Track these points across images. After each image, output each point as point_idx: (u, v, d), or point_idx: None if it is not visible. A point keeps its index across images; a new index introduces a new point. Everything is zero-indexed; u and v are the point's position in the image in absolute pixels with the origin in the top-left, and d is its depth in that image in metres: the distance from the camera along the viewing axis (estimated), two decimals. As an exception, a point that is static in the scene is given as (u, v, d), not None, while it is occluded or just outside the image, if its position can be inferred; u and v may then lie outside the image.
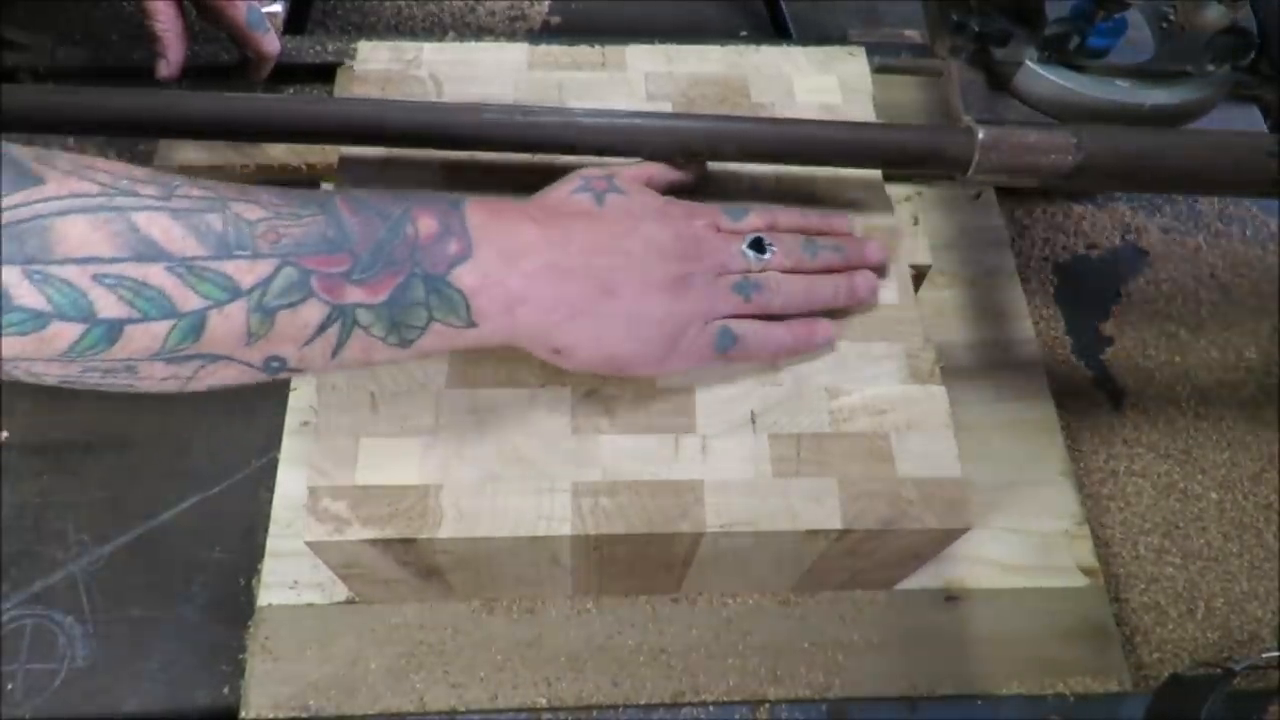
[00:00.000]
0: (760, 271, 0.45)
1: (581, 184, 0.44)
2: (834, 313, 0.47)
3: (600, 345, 0.40)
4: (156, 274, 0.32)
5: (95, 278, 0.31)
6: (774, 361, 0.45)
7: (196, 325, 0.33)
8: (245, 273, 0.33)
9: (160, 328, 0.32)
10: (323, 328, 0.35)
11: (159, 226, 0.32)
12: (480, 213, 0.39)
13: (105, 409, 0.57)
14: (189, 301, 0.32)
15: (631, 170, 0.46)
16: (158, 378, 0.34)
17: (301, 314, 0.34)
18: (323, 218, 0.35)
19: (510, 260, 0.38)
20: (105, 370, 0.33)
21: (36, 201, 0.30)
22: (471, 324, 0.38)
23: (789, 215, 0.48)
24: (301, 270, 0.34)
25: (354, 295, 0.35)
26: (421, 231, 0.37)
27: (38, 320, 0.30)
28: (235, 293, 0.33)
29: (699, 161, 0.49)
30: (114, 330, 0.32)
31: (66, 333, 0.31)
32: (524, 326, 0.39)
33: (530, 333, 0.39)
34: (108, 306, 0.31)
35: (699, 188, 0.50)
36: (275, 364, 0.35)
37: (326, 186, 0.63)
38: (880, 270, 0.48)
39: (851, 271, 0.47)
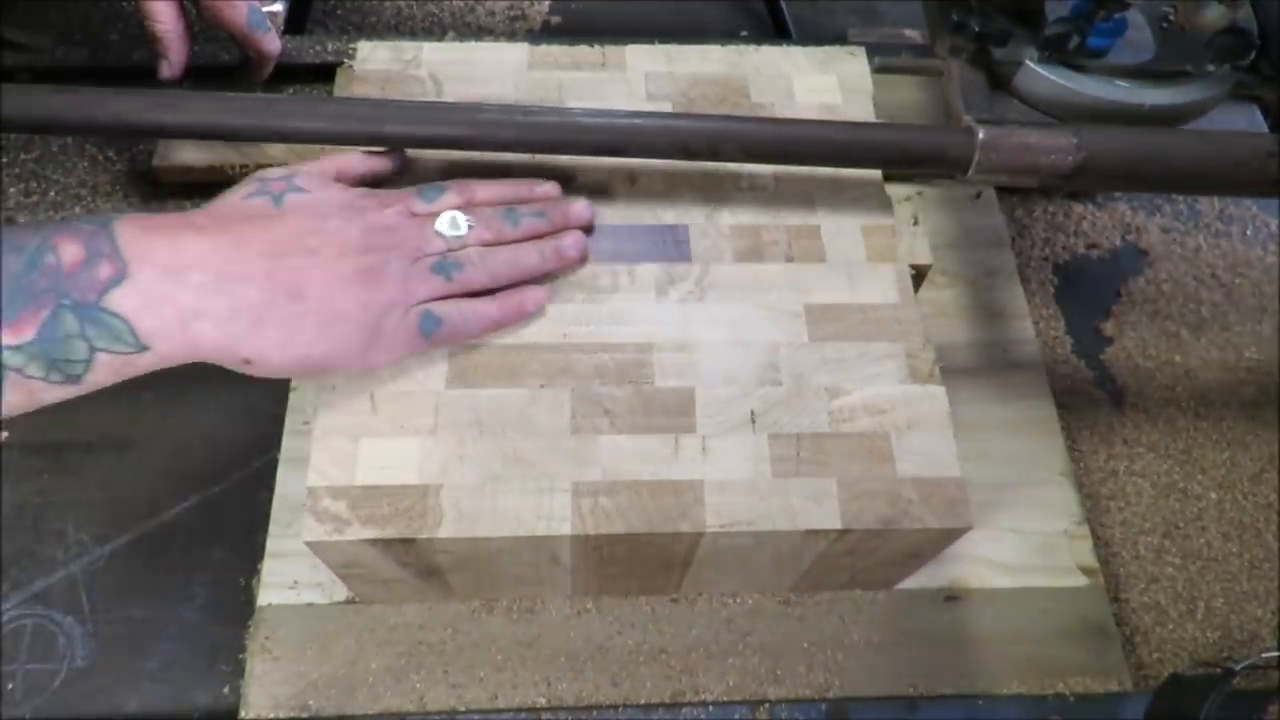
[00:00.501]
0: (460, 249, 0.44)
1: (257, 187, 0.42)
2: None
3: (291, 349, 0.38)
4: None
5: None
6: (485, 335, 0.45)
7: None
8: None
9: None
10: None
11: None
12: (133, 229, 0.36)
13: (105, 409, 0.57)
14: None
15: (316, 165, 0.45)
16: None
17: None
18: None
19: (175, 275, 0.36)
20: None
21: None
22: (143, 348, 0.36)
23: (487, 187, 0.47)
24: None
25: None
26: (65, 259, 0.35)
27: None
28: None
29: (399, 154, 0.49)
30: None
31: None
32: (206, 341, 0.37)
33: (214, 346, 0.37)
34: None
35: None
36: None
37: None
38: (588, 228, 0.48)
39: (558, 234, 0.46)
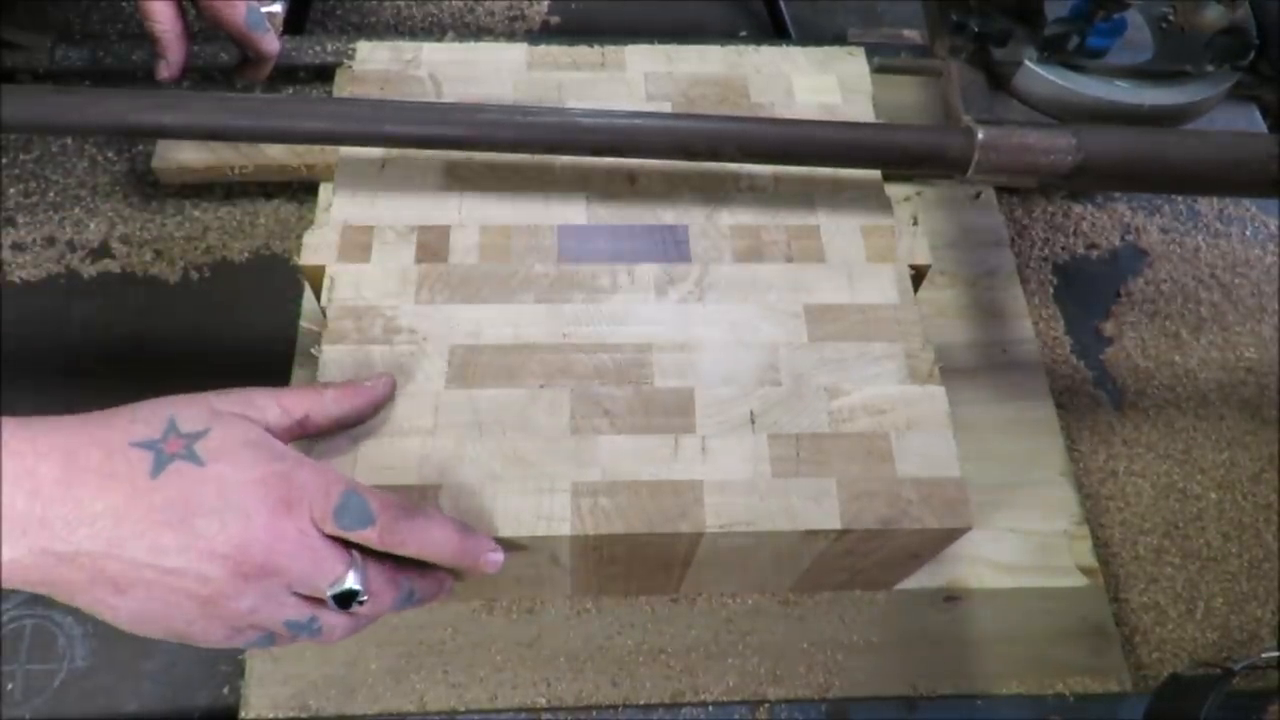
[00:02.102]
0: (335, 614, 0.36)
1: (155, 436, 0.34)
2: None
3: (105, 617, 0.34)
4: None
5: None
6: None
7: None
8: None
9: None
10: None
11: None
12: None
13: (105, 409, 0.57)
14: None
15: (279, 404, 0.38)
16: None
17: None
18: None
19: None
20: None
21: None
22: None
23: (424, 537, 0.37)
24: None
25: None
26: None
27: None
28: None
29: (386, 381, 0.42)
30: None
31: None
32: (22, 586, 0.33)
33: (21, 587, 0.33)
34: None
35: (688, 182, 0.50)
36: None
37: (326, 187, 0.63)
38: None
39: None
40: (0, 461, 0.31)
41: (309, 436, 0.40)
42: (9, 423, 0.33)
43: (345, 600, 0.36)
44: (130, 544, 0.32)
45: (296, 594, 0.35)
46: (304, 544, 0.35)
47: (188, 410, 0.36)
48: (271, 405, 0.38)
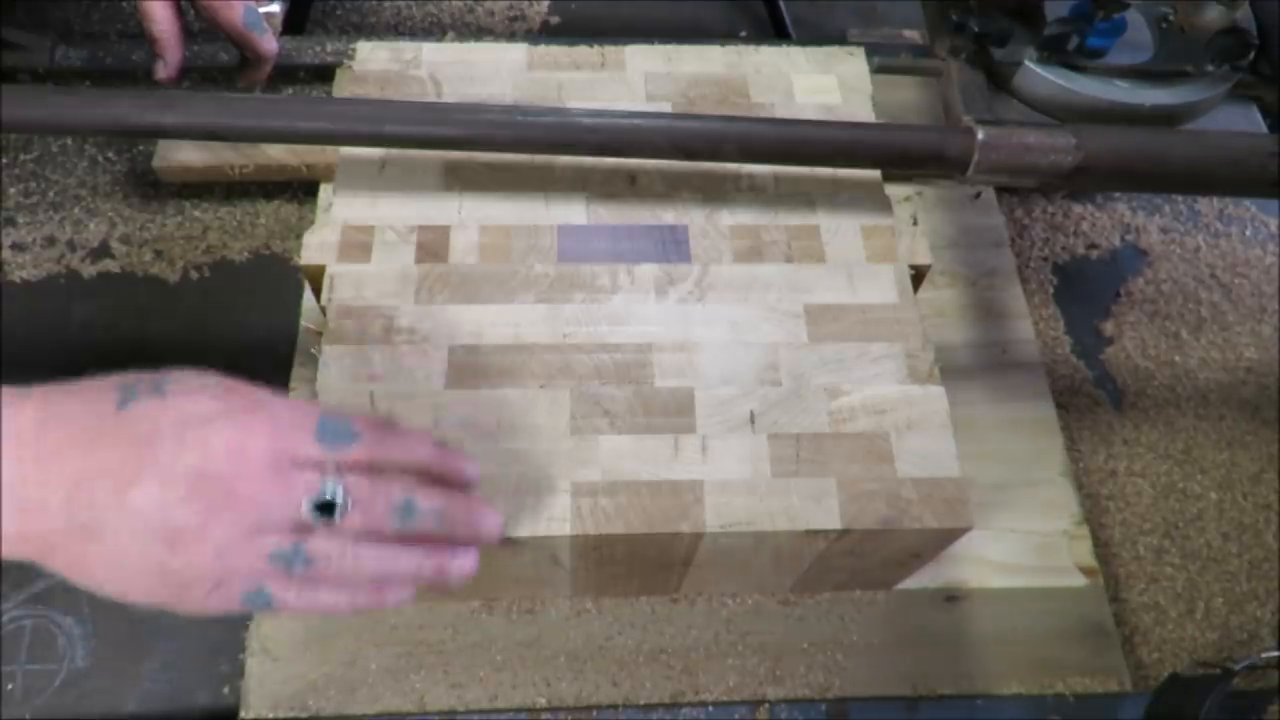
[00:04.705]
0: (320, 538, 0.34)
1: (125, 381, 0.34)
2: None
3: (86, 581, 0.33)
4: None
5: None
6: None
7: None
8: None
9: None
10: None
11: None
12: None
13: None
14: None
15: (235, 386, 0.36)
16: None
17: None
18: None
19: None
20: None
21: None
22: None
23: (409, 448, 0.37)
24: None
25: None
26: None
27: None
28: None
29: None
30: None
31: None
32: (6, 554, 0.32)
33: (12, 558, 0.32)
34: None
35: (688, 182, 0.49)
36: None
37: (326, 188, 0.63)
38: (494, 541, 0.39)
39: (448, 550, 0.37)
40: None
41: None
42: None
43: (327, 510, 0.34)
44: (93, 485, 0.32)
45: (274, 529, 0.34)
46: (270, 467, 0.33)
47: (171, 374, 0.35)
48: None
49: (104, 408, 0.33)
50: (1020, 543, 0.56)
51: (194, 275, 0.63)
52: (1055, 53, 0.60)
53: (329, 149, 0.58)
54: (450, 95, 0.54)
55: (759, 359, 0.46)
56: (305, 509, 0.34)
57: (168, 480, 0.32)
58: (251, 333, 0.61)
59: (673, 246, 0.49)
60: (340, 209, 0.49)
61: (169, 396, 0.34)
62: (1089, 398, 0.64)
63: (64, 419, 0.33)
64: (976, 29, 0.60)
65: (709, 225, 0.50)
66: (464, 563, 0.37)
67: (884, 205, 0.52)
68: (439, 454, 0.38)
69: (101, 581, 0.33)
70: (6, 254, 0.62)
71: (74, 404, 0.33)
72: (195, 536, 0.32)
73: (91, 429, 0.33)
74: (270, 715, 0.49)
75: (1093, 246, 0.71)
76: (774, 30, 0.86)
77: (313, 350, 0.45)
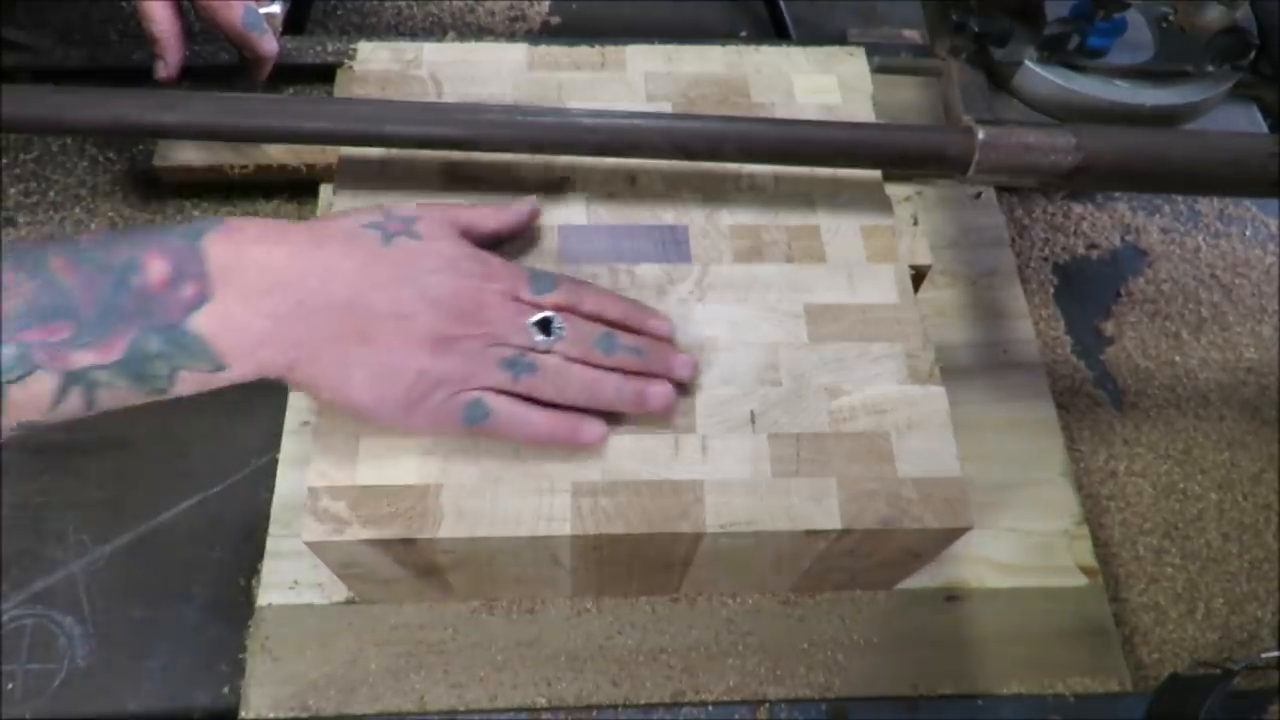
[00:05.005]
0: (543, 353, 0.41)
1: (375, 220, 0.41)
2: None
3: (338, 389, 0.39)
4: None
5: None
6: (528, 445, 0.42)
7: None
8: None
9: None
10: (62, 393, 0.34)
11: None
12: (225, 247, 0.37)
13: (105, 409, 0.57)
14: None
15: (444, 214, 0.43)
16: None
17: (31, 386, 0.34)
18: (33, 285, 0.34)
19: (253, 301, 0.36)
20: None
21: None
22: (221, 366, 0.37)
23: (601, 300, 0.44)
24: (20, 345, 0.33)
25: (84, 359, 0.34)
26: (152, 278, 0.35)
27: None
28: None
29: (530, 203, 0.47)
30: None
31: None
32: (268, 365, 0.37)
33: (274, 369, 0.38)
34: None
35: (690, 183, 0.50)
36: (29, 426, 0.35)
37: (326, 188, 0.63)
38: (683, 386, 0.44)
39: (646, 378, 0.43)
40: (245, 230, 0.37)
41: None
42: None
43: (545, 326, 0.41)
44: (372, 295, 0.38)
45: (508, 343, 0.41)
46: (503, 300, 0.41)
47: (390, 208, 0.42)
48: (440, 212, 0.44)
49: (369, 243, 0.40)
50: (1020, 543, 0.56)
51: (194, 275, 0.63)
52: (1055, 52, 0.60)
53: (329, 149, 0.58)
54: (450, 95, 0.54)
55: (759, 359, 0.46)
56: (530, 328, 0.41)
57: (433, 303, 0.39)
58: (251, 333, 0.61)
59: (673, 246, 0.49)
60: (340, 209, 0.49)
61: (423, 240, 0.41)
62: (1089, 398, 0.64)
63: (335, 243, 0.39)
64: (977, 29, 0.60)
65: (709, 225, 0.50)
66: (661, 390, 0.42)
67: (884, 205, 0.52)
68: (630, 309, 0.45)
69: (358, 386, 0.38)
70: (6, 254, 0.62)
71: (339, 236, 0.40)
72: (450, 344, 0.39)
73: (361, 255, 0.39)
74: (270, 715, 0.49)
75: (1093, 246, 0.71)
76: (774, 30, 0.86)
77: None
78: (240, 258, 0.37)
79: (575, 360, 0.42)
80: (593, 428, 0.42)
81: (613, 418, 0.43)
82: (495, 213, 0.46)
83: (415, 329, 0.39)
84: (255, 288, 0.37)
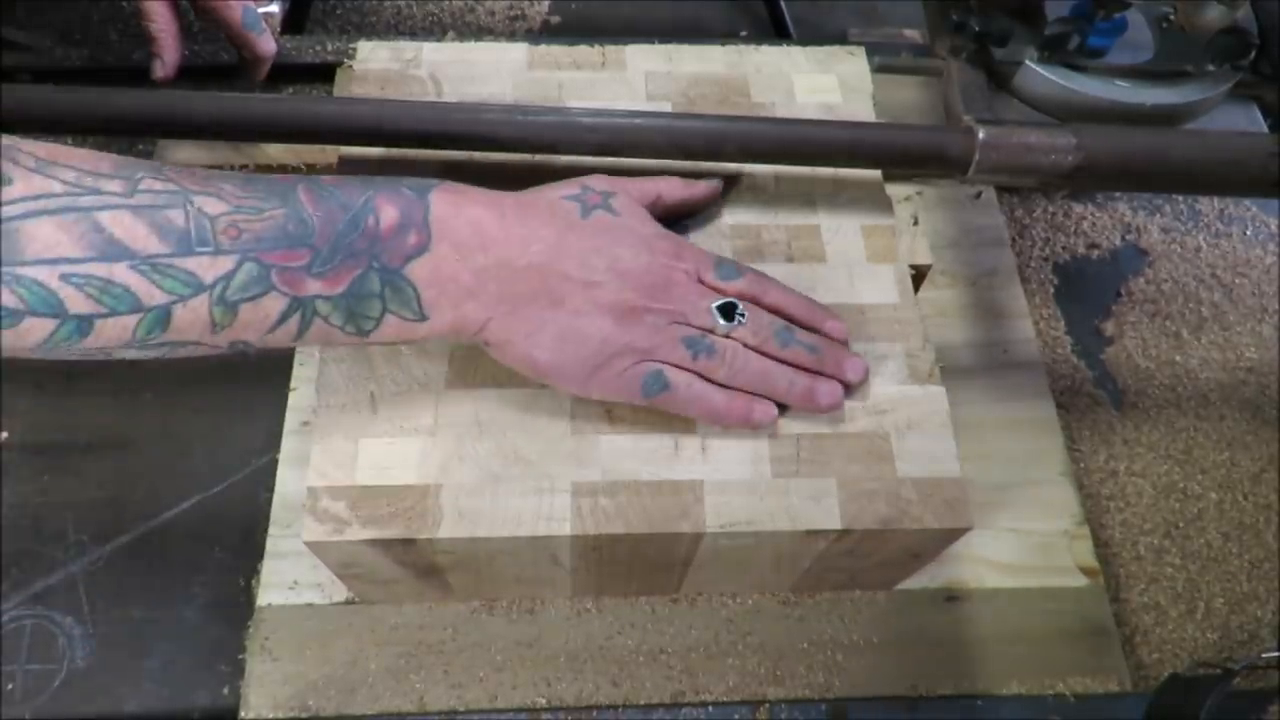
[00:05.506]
0: (722, 336, 0.42)
1: (576, 192, 0.43)
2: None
3: (525, 347, 0.40)
4: (121, 272, 0.33)
5: (64, 277, 0.32)
6: (702, 421, 0.43)
7: (162, 318, 0.34)
8: (207, 268, 0.34)
9: (129, 321, 0.34)
10: (284, 318, 0.36)
11: (122, 225, 0.33)
12: (446, 203, 0.39)
13: (105, 409, 0.57)
14: (154, 297, 0.34)
15: (637, 187, 0.45)
16: (130, 357, 0.36)
17: (263, 306, 0.36)
18: (283, 211, 0.36)
19: (465, 254, 0.39)
20: (81, 353, 0.34)
21: (4, 204, 0.31)
22: (423, 317, 0.38)
23: (782, 295, 0.45)
24: (262, 265, 0.35)
25: (313, 287, 0.36)
26: (383, 222, 0.37)
27: (13, 317, 0.32)
28: (198, 287, 0.34)
29: (716, 181, 0.49)
30: (84, 325, 0.33)
31: (40, 328, 0.32)
32: (468, 318, 0.39)
33: (471, 323, 0.39)
34: (77, 304, 0.33)
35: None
36: (241, 346, 0.37)
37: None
38: (852, 389, 0.44)
39: (816, 375, 0.43)
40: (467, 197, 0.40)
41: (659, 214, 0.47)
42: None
43: (728, 311, 0.43)
44: (567, 261, 0.40)
45: (691, 321, 0.42)
46: (690, 280, 0.43)
47: (588, 182, 0.44)
48: (634, 187, 0.45)
49: (568, 214, 0.42)
50: (1020, 543, 0.56)
51: (194, 275, 0.63)
52: (1056, 52, 0.60)
53: (329, 149, 0.58)
54: (450, 95, 0.54)
55: (759, 359, 0.46)
56: (713, 311, 0.42)
57: (622, 275, 0.41)
58: (251, 332, 0.61)
59: (673, 246, 0.49)
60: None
61: (618, 215, 0.43)
62: (1089, 397, 0.64)
63: (538, 212, 0.41)
64: (977, 28, 0.60)
65: (709, 225, 0.50)
66: (831, 389, 0.43)
67: (884, 205, 0.52)
68: (809, 307, 0.46)
69: (545, 346, 0.40)
70: (6, 254, 0.62)
71: (542, 205, 0.42)
72: (638, 317, 0.41)
73: (560, 224, 0.41)
74: (270, 715, 0.49)
75: (1093, 246, 0.71)
76: (774, 30, 0.86)
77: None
78: (458, 216, 0.39)
79: (751, 348, 0.43)
80: (765, 409, 0.43)
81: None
82: (684, 185, 0.47)
83: (603, 296, 0.40)
84: (467, 244, 0.39)
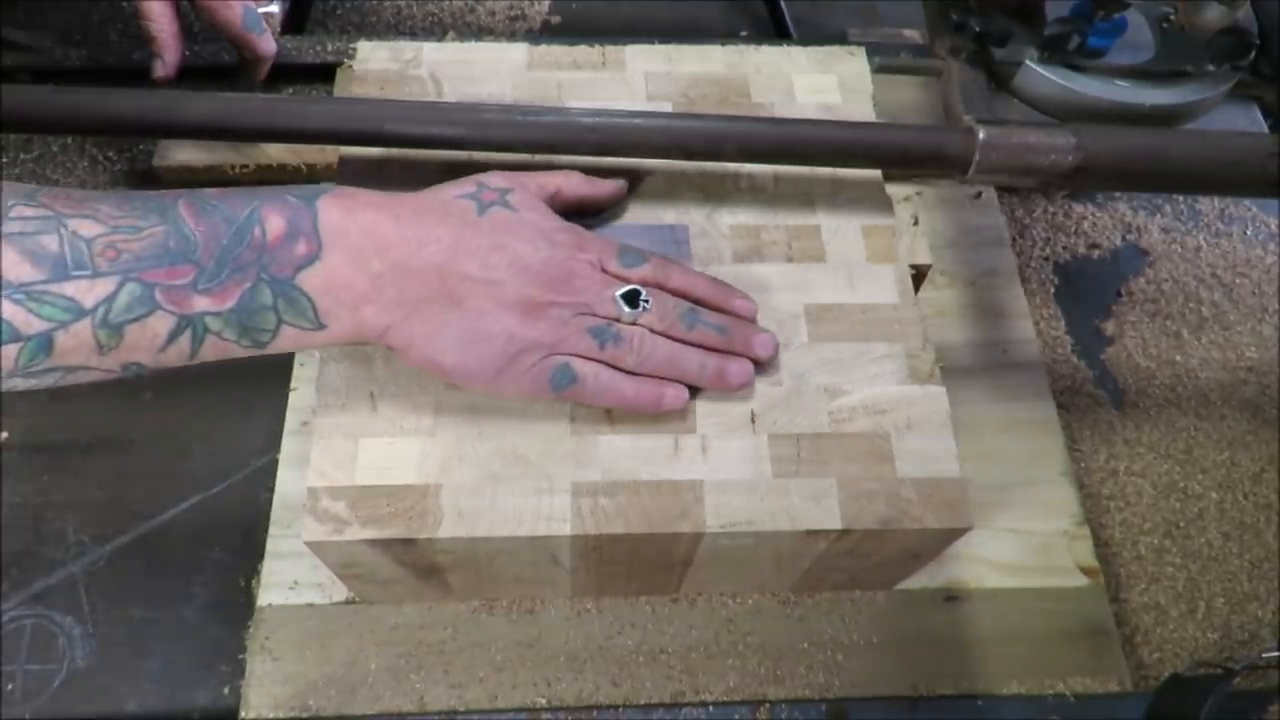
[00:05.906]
0: (628, 324, 0.42)
1: (471, 190, 0.43)
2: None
3: (430, 350, 0.40)
4: None
5: None
6: (616, 409, 0.43)
7: (44, 345, 0.34)
8: (86, 292, 0.34)
9: (9, 350, 0.33)
10: (173, 336, 0.36)
11: None
12: (335, 210, 0.38)
13: (105, 409, 0.57)
14: (32, 325, 0.33)
15: (536, 181, 0.45)
16: (21, 388, 0.36)
17: (150, 326, 0.35)
18: (163, 228, 0.35)
19: (359, 260, 0.38)
20: None
21: None
22: (320, 325, 0.38)
23: (687, 278, 0.45)
24: (145, 285, 0.35)
25: (201, 304, 0.36)
26: (269, 233, 0.37)
27: None
28: (79, 312, 0.34)
29: (621, 181, 0.49)
30: None
31: None
32: (367, 324, 0.39)
33: (371, 329, 0.39)
34: None
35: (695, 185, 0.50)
36: (134, 368, 0.36)
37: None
38: (763, 365, 0.45)
39: (727, 355, 0.44)
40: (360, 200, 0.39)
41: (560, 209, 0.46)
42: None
43: (632, 299, 0.42)
44: (466, 261, 0.40)
45: (595, 312, 0.42)
46: (592, 270, 0.42)
47: (484, 179, 0.44)
48: (532, 182, 0.45)
49: (464, 212, 0.41)
50: (1020, 543, 0.56)
51: (194, 275, 0.63)
52: (1056, 52, 0.60)
53: (329, 149, 0.58)
54: (450, 95, 0.54)
55: (759, 359, 0.46)
56: (617, 299, 0.42)
57: (523, 270, 0.40)
58: (251, 333, 0.61)
59: (673, 246, 0.49)
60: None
61: (515, 211, 0.42)
62: (1090, 397, 0.64)
63: (433, 212, 0.41)
64: (977, 28, 0.60)
65: (709, 225, 0.50)
66: (741, 368, 0.43)
67: (884, 205, 0.52)
68: (715, 287, 0.46)
69: (448, 348, 0.40)
70: (6, 254, 0.62)
71: (437, 205, 0.41)
72: (541, 311, 0.40)
73: (456, 223, 0.40)
74: (270, 715, 0.49)
75: (1094, 246, 0.71)
76: (774, 30, 0.86)
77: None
78: (349, 221, 0.38)
79: (659, 333, 0.43)
80: (676, 393, 0.43)
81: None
82: (586, 181, 0.47)
83: (505, 294, 0.40)
84: (360, 249, 0.38)
